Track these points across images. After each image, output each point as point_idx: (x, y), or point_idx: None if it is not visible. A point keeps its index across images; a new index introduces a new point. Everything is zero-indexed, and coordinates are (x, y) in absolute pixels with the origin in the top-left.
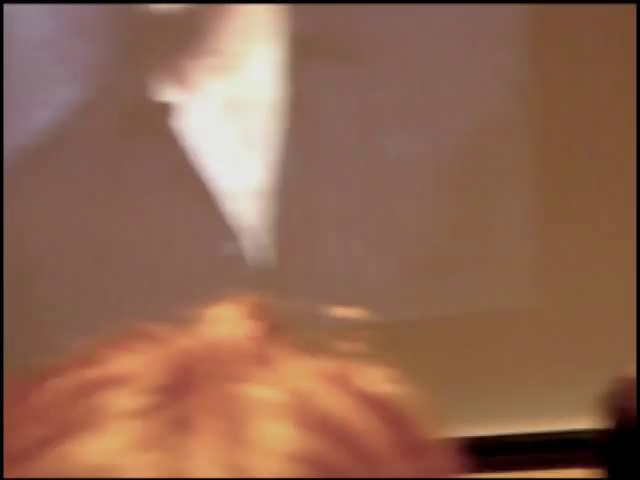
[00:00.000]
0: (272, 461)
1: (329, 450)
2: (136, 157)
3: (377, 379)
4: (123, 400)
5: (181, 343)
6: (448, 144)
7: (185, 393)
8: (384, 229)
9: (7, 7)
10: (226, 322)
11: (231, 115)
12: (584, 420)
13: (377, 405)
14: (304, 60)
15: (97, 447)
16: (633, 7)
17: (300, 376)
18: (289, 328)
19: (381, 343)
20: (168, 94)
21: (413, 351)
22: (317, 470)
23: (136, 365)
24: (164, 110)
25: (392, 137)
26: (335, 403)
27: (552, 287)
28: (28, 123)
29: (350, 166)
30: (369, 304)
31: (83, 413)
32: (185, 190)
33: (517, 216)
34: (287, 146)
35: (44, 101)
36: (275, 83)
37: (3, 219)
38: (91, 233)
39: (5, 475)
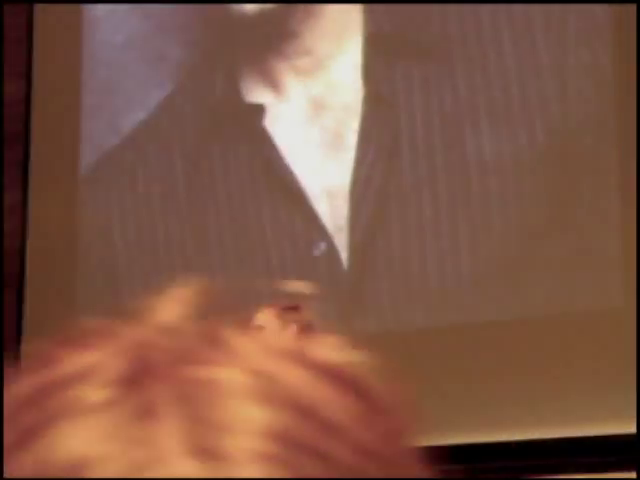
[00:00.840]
0: (243, 440)
1: (296, 424)
2: (225, 158)
3: (329, 349)
4: (85, 396)
5: (134, 334)
6: (532, 144)
7: (146, 382)
8: (467, 230)
9: (87, 8)
10: (174, 308)
11: (317, 116)
12: None
13: (334, 374)
14: (387, 60)
15: (64, 444)
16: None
17: (257, 354)
18: (237, 308)
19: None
20: (257, 95)
21: (493, 352)
22: (288, 445)
23: (93, 361)
24: (254, 111)
25: (475, 137)
26: (294, 378)
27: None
28: (116, 125)
29: (432, 166)
30: (449, 305)
31: (47, 414)
32: (274, 191)
33: (603, 216)
34: (370, 147)
35: (132, 103)
36: (359, 84)
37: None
38: (177, 236)
39: None
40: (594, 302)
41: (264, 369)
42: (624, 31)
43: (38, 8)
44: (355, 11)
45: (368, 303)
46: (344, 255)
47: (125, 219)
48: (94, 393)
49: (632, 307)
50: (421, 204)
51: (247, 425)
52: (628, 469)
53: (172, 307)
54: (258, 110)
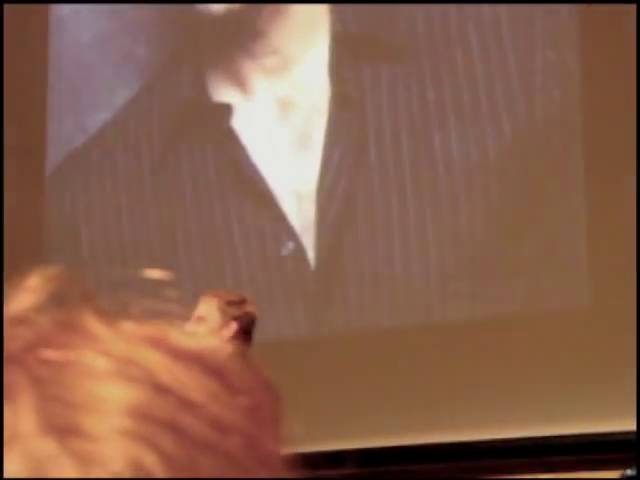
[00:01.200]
0: (100, 417)
1: (152, 401)
2: (193, 158)
3: (189, 336)
4: None
5: None
6: (499, 144)
7: (3, 365)
8: (435, 229)
9: (54, 8)
10: (28, 297)
11: (285, 116)
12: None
13: (190, 357)
14: (354, 60)
15: None
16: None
17: (113, 338)
18: (97, 294)
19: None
20: (225, 95)
21: (464, 352)
22: (144, 420)
23: None
24: (221, 111)
25: (442, 137)
26: (150, 359)
27: (605, 287)
28: (83, 124)
29: (400, 166)
30: (418, 305)
31: None
32: (241, 191)
33: (570, 215)
34: (337, 147)
35: (99, 102)
36: (326, 83)
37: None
38: (144, 236)
39: None
40: (562, 301)
41: (120, 351)
42: (590, 31)
43: (5, 8)
44: (323, 10)
45: (335, 303)
46: (311, 255)
47: (92, 219)
48: None
49: (600, 306)
50: (389, 204)
51: (103, 403)
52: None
53: (25, 296)
54: (225, 110)
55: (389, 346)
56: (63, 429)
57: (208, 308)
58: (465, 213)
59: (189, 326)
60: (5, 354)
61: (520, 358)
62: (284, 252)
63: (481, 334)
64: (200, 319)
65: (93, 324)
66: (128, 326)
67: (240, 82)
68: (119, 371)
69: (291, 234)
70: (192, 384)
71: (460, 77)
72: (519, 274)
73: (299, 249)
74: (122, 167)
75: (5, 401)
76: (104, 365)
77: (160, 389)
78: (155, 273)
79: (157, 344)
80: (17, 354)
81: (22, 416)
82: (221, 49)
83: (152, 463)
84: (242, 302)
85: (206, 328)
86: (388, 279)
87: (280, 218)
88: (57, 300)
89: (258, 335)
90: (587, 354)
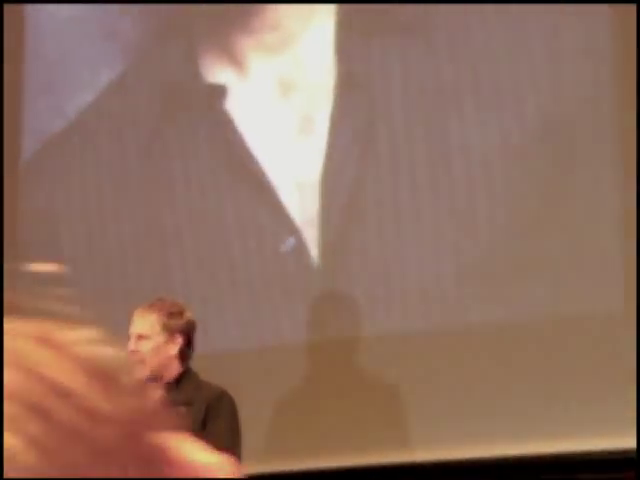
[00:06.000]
0: None
1: (27, 386)
2: (183, 144)
3: (77, 338)
4: None
5: None
6: (523, 131)
7: None
8: (451, 225)
9: None
10: None
11: (285, 98)
12: None
13: (76, 356)
14: (362, 36)
15: None
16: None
17: (4, 335)
18: None
19: None
20: (218, 75)
21: (479, 359)
22: (15, 403)
23: None
24: (214, 92)
25: (459, 122)
26: (34, 352)
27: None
28: (62, 107)
29: (412, 154)
30: (432, 308)
31: None
32: (237, 181)
33: (601, 211)
34: (343, 132)
35: (80, 83)
36: (331, 62)
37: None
38: (129, 229)
39: None
40: (590, 306)
41: (6, 343)
42: (623, 8)
43: None
44: None
45: (341, 305)
46: (314, 252)
47: (72, 211)
48: None
49: (632, 312)
50: (400, 196)
51: None
52: None
53: None
54: (219, 91)
55: (401, 352)
56: None
57: (148, 324)
58: (484, 206)
59: (125, 343)
60: None
61: (542, 366)
62: (284, 249)
63: (499, 340)
64: (141, 337)
65: None
66: (17, 324)
67: (235, 61)
68: (6, 361)
69: (292, 229)
70: (70, 376)
71: (479, 56)
72: (543, 275)
73: (300, 246)
74: (105, 154)
75: None
76: None
77: (33, 374)
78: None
79: (42, 341)
80: None
81: None
82: (214, 24)
83: (16, 445)
84: (182, 311)
85: (150, 346)
86: (399, 279)
87: (279, 211)
88: None
89: (257, 342)
90: (615, 363)
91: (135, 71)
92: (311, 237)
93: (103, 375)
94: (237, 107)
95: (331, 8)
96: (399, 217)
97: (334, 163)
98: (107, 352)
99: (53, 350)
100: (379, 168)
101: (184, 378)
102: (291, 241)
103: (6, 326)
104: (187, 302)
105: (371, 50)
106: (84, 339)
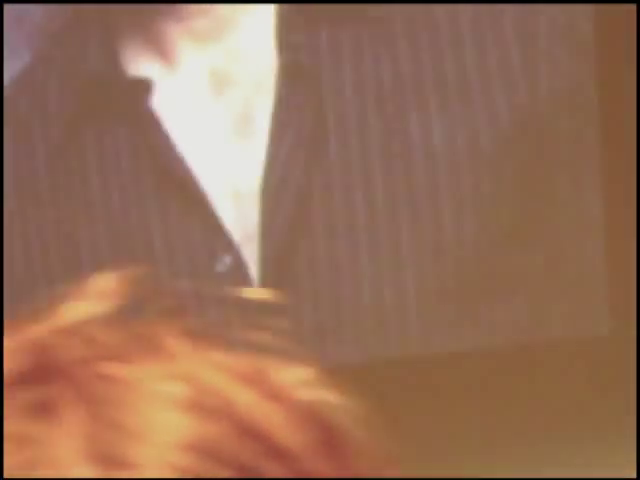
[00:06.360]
0: (154, 448)
1: (227, 439)
2: (101, 148)
3: (293, 380)
4: None
5: (44, 325)
6: (494, 127)
7: (49, 377)
8: (412, 238)
9: None
10: (99, 298)
11: (219, 93)
12: None
13: (290, 402)
14: (307, 22)
15: None
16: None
17: (195, 360)
18: (183, 311)
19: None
20: (142, 67)
21: (445, 391)
22: (210, 459)
23: None
24: (137, 88)
25: (421, 119)
26: (237, 394)
27: (628, 312)
28: None
29: (367, 157)
30: (390, 333)
31: None
32: (164, 191)
33: (585, 218)
34: (287, 133)
35: None
36: (272, 52)
37: None
38: (39, 247)
39: None
40: (573, 329)
41: (200, 376)
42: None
43: None
44: None
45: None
46: (254, 271)
47: None
48: None
49: (621, 335)
50: (353, 206)
51: (162, 433)
52: None
53: (89, 303)
54: (143, 86)
55: (355, 384)
56: (108, 457)
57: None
58: (450, 217)
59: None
60: (49, 364)
61: (521, 396)
62: (220, 268)
63: (469, 369)
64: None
65: (174, 343)
66: (219, 355)
67: (161, 51)
68: (195, 402)
69: (228, 245)
70: (288, 432)
71: (443, 42)
72: (518, 293)
73: (239, 264)
74: (10, 159)
75: (46, 418)
76: (178, 391)
77: (239, 426)
78: (254, 293)
79: (253, 382)
80: (66, 365)
81: (64, 437)
82: (136, 9)
83: None
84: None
85: None
86: (353, 302)
87: (214, 225)
88: (129, 311)
89: None
90: (602, 390)
91: (45, 62)
92: (251, 254)
93: (327, 431)
94: (163, 104)
95: None
96: (352, 230)
97: (277, 169)
98: (331, 399)
99: (267, 395)
100: (329, 174)
101: None
102: (227, 259)
103: (209, 355)
104: None
105: (319, 38)
106: (303, 381)
